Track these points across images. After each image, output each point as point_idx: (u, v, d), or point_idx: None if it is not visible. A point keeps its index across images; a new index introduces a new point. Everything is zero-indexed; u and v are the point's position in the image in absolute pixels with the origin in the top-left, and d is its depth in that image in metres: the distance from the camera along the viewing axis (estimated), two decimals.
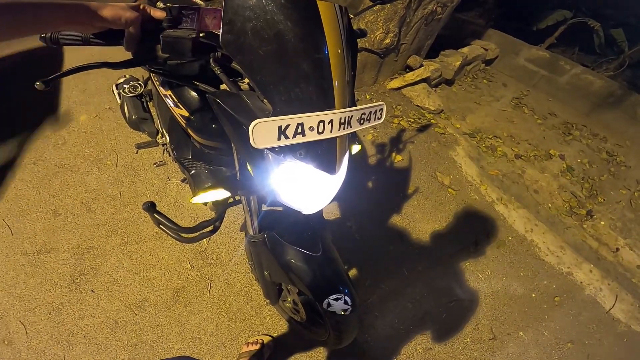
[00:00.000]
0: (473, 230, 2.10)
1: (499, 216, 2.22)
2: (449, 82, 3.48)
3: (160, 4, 0.59)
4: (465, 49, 3.54)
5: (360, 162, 2.34)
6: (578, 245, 2.17)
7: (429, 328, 1.61)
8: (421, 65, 3.08)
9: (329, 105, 0.53)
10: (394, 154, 2.45)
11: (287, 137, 0.48)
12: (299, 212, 0.64)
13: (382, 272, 1.76)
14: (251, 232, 0.89)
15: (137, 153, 2.04)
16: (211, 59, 0.56)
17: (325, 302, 0.87)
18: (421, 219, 2.06)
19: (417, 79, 3.00)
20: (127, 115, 1.42)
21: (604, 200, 2.58)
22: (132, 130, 1.53)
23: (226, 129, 0.56)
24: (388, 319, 1.61)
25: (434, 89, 3.27)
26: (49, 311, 1.42)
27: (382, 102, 0.63)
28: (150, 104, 1.46)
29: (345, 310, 0.89)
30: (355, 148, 0.85)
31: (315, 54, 0.52)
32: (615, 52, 3.82)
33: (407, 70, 3.15)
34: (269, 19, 0.49)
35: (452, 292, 1.77)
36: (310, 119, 0.49)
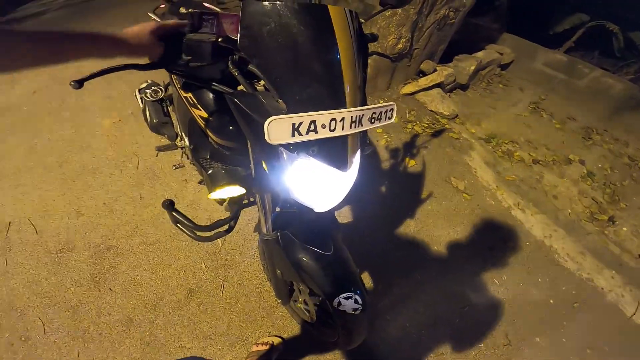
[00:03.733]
0: (488, 236, 2.07)
1: (515, 222, 2.17)
2: (464, 87, 3.45)
3: (182, 9, 0.63)
4: (479, 54, 3.51)
5: (373, 167, 2.35)
6: (599, 251, 2.10)
7: (442, 333, 1.59)
8: (435, 70, 3.07)
9: (340, 104, 0.55)
10: (407, 159, 2.45)
11: (300, 134, 0.50)
12: (312, 212, 0.66)
13: (394, 277, 1.74)
14: (264, 231, 0.90)
15: (157, 156, 2.10)
16: (229, 62, 0.59)
17: (336, 300, 0.88)
18: (435, 224, 2.04)
19: (430, 84, 2.99)
20: (148, 119, 1.49)
21: (627, 206, 2.49)
22: (152, 133, 1.59)
23: (243, 127, 0.59)
24: (400, 323, 1.59)
25: (448, 94, 3.25)
26: (68, 308, 1.46)
27: (392, 102, 0.64)
28: (170, 109, 1.52)
29: (355, 310, 0.89)
30: (367, 149, 0.87)
31: (327, 56, 0.54)
32: (635, 55, 3.71)
33: (421, 75, 3.15)
34: (283, 23, 0.51)
35: (466, 297, 1.74)
36: (322, 116, 0.51)
